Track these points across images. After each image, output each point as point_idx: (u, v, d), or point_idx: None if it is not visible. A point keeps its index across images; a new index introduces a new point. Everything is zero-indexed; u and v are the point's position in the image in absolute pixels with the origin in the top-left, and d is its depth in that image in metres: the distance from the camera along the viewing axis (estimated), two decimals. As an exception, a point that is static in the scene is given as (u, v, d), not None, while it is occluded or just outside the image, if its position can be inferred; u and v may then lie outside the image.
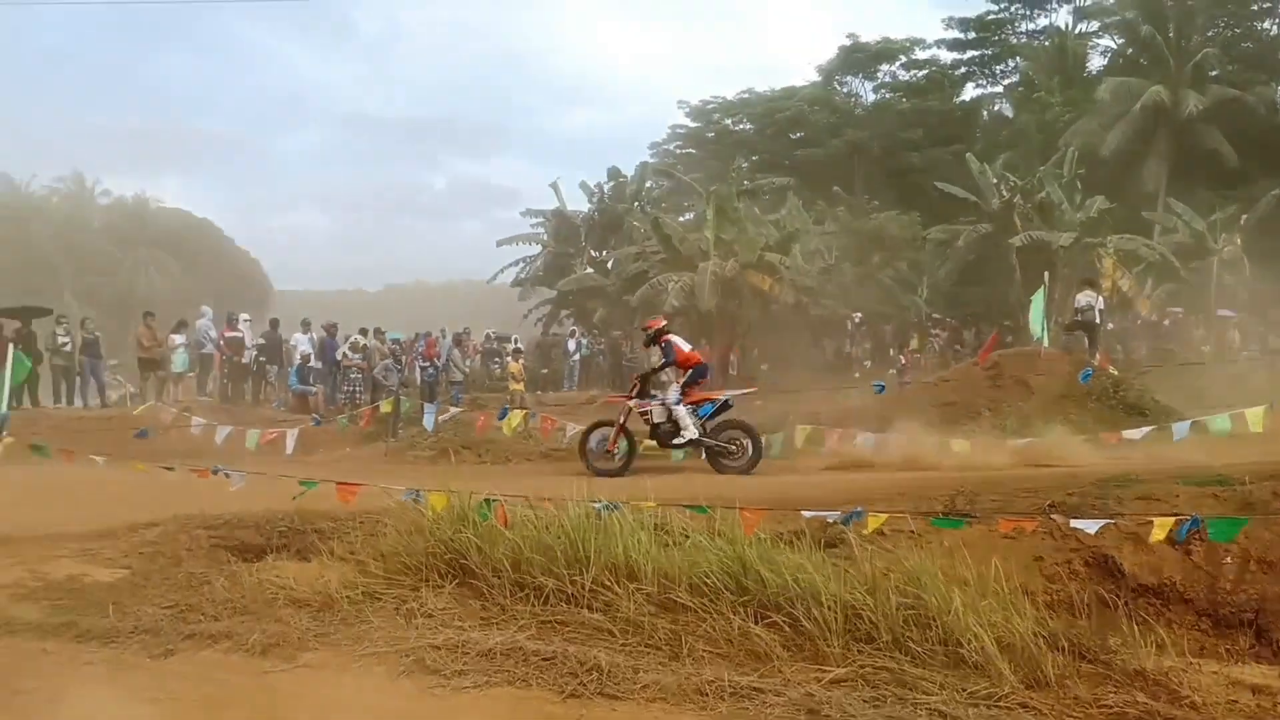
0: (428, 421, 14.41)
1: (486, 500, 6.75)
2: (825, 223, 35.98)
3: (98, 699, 5.24)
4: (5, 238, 59.40)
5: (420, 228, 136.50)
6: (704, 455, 12.44)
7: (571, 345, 28.32)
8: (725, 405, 12.71)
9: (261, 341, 21.03)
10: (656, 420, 12.56)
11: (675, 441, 12.39)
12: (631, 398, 12.92)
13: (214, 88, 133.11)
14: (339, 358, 20.39)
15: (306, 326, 21.38)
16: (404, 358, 21.61)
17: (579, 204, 38.19)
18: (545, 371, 28.01)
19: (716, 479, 11.77)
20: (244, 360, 20.44)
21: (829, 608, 5.37)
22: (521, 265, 38.45)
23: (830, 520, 6.55)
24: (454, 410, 13.91)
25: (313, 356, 20.56)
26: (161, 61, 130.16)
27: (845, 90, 48.79)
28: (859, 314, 30.58)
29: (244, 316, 21.59)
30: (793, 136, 45.86)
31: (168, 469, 9.06)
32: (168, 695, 5.27)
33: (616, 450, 12.48)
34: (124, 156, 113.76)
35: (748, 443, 12.32)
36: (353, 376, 20.18)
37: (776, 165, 43.12)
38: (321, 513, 8.26)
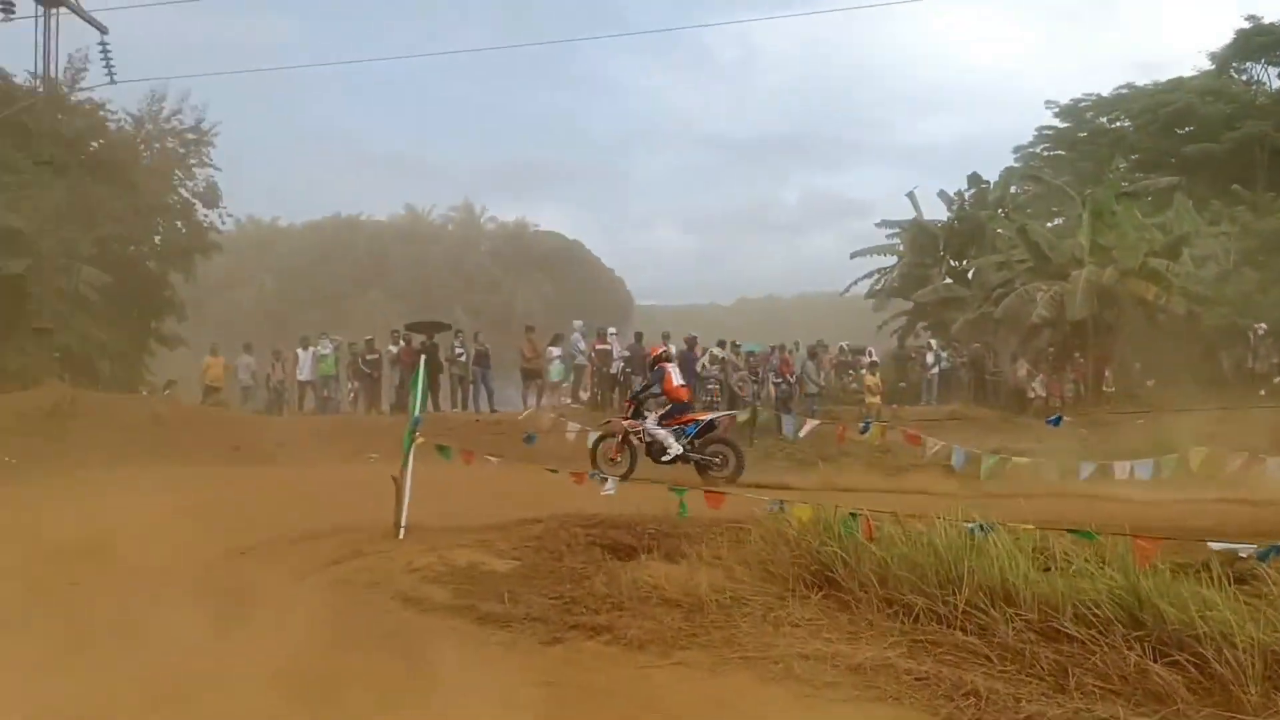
0: (787, 430, 14.56)
1: (852, 514, 6.67)
2: (1220, 224, 32.18)
3: (496, 677, 5.74)
4: (409, 258, 67.51)
5: (772, 242, 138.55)
6: (694, 467, 13.73)
7: (930, 358, 27.39)
8: (710, 425, 14.12)
9: (627, 354, 22.26)
10: (646, 440, 13.96)
11: (663, 459, 13.75)
12: (627, 418, 14.41)
13: (585, 118, 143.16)
14: (698, 369, 21.14)
15: (666, 339, 22.36)
16: (759, 370, 21.98)
17: (936, 213, 36.88)
18: (902, 385, 27.32)
19: (1095, 505, 10.95)
20: (612, 371, 21.74)
21: (1244, 650, 4.77)
22: (876, 277, 37.67)
23: (1242, 554, 5.82)
24: (812, 423, 13.91)
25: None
26: (539, 98, 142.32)
27: (1244, 78, 43.41)
28: (1263, 324, 27.05)
29: (611, 330, 23.00)
30: (1179, 132, 41.25)
31: (551, 471, 9.76)
32: (556, 680, 5.68)
33: (620, 458, 13.93)
34: (507, 185, 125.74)
35: (731, 456, 13.73)
36: (709, 387, 20.84)
37: (1160, 164, 39.05)
38: (689, 518, 8.56)
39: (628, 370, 22.21)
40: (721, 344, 21.94)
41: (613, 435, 14.30)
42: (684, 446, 13.66)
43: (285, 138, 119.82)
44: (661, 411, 14.05)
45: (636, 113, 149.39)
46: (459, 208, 74.87)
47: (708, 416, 14.45)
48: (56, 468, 14.44)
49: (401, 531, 9.32)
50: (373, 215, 72.31)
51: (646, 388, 14.60)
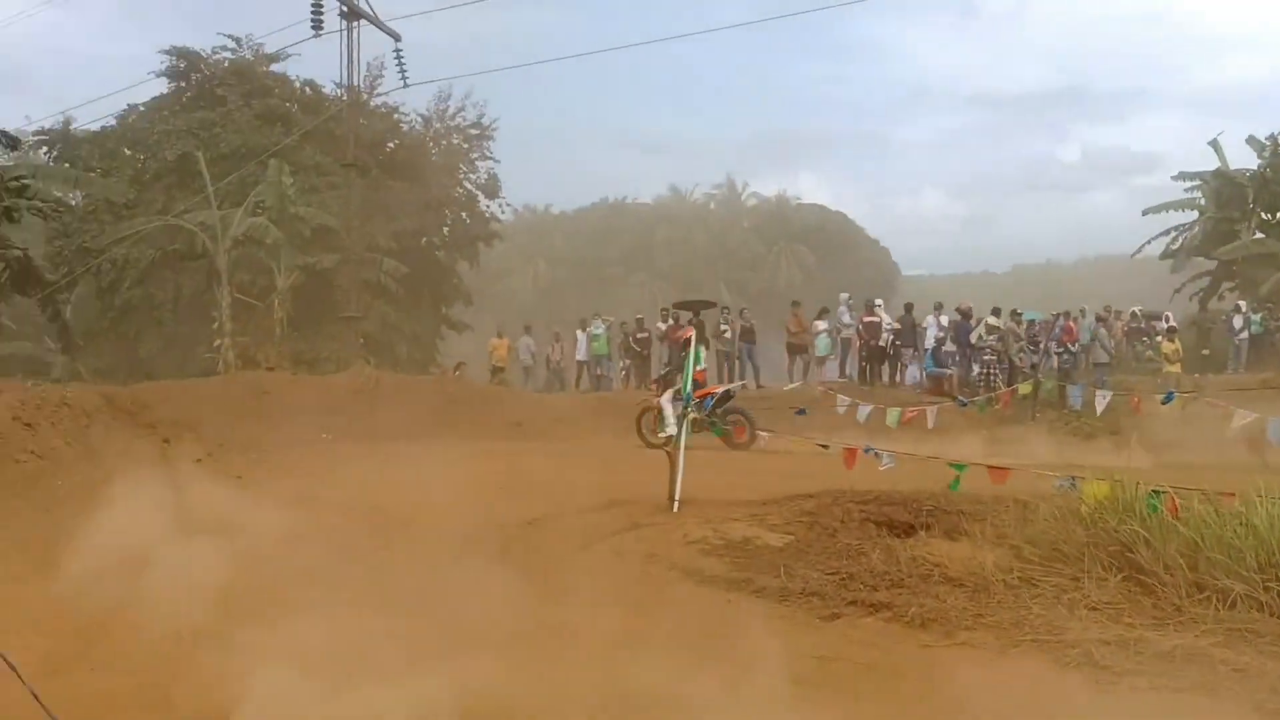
0: (1073, 402, 13.66)
1: (1155, 491, 6.19)
2: None
3: (775, 649, 5.77)
4: (673, 238, 68.83)
5: (1049, 204, 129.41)
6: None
7: (1238, 322, 24.73)
8: (727, 395, 15.32)
9: (897, 326, 21.68)
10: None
11: (660, 434, 14.56)
12: (658, 395, 15.43)
13: (845, 86, 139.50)
14: (973, 340, 20.26)
15: (939, 309, 21.56)
16: (1040, 339, 20.77)
17: (1243, 162, 33.08)
18: (1205, 352, 24.89)
19: None
20: (880, 343, 21.26)
21: None
22: (1173, 235, 34.38)
23: None
24: (1104, 394, 12.96)
25: (947, 339, 20.69)
26: (798, 69, 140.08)
27: None
28: None
29: (878, 301, 22.49)
30: None
31: (823, 446, 9.70)
32: (835, 655, 5.66)
33: (659, 430, 14.75)
34: (768, 160, 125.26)
35: (745, 422, 14.56)
36: (985, 358, 19.90)
37: None
38: (966, 494, 8.25)
39: (897, 342, 21.63)
40: (996, 312, 20.86)
41: (650, 409, 15.55)
42: (703, 416, 14.05)
43: (554, 127, 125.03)
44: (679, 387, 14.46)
45: (899, 76, 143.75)
46: (721, 185, 75.56)
47: (721, 389, 15.59)
48: (365, 443, 15.89)
49: (676, 505, 9.56)
50: (638, 198, 74.43)
51: (667, 370, 15.90)
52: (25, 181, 21.30)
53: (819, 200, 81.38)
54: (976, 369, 20.35)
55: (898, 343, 21.62)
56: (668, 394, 14.82)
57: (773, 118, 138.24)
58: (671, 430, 13.95)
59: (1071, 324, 21.32)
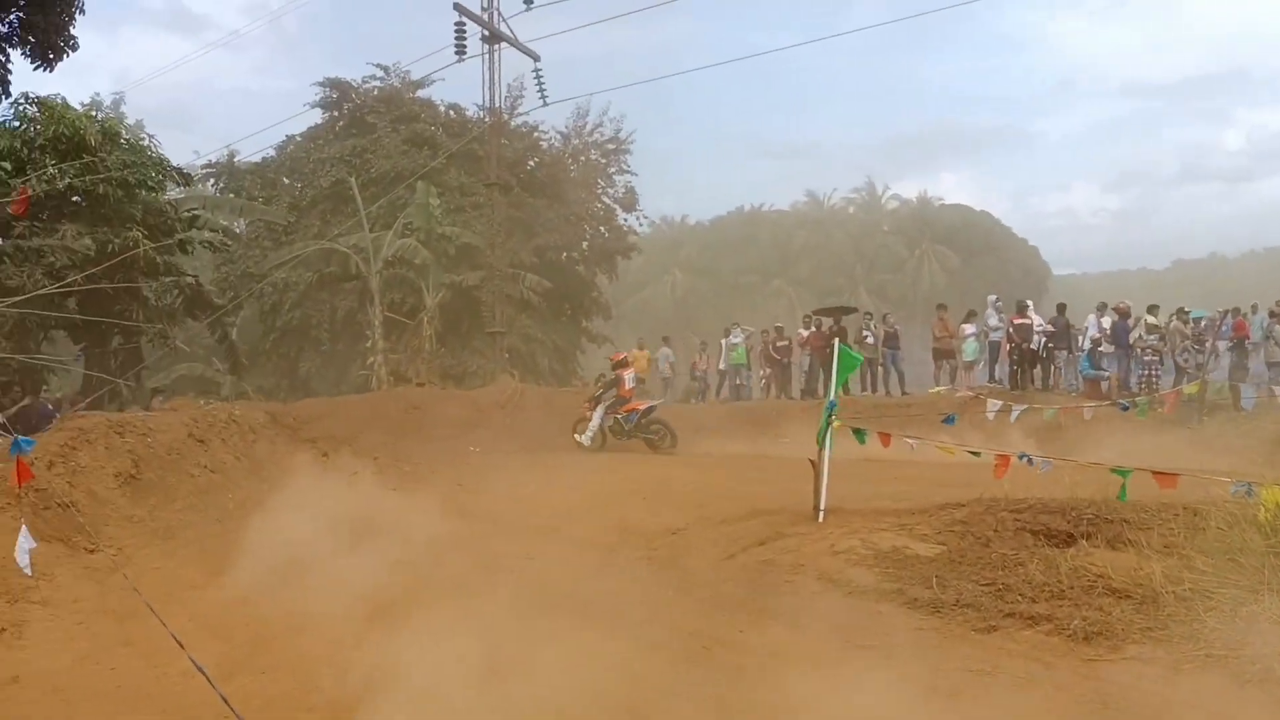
0: (1245, 404, 12.82)
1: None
2: None
3: (929, 662, 5.61)
4: (810, 245, 68.08)
5: (1211, 195, 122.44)
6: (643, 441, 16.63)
7: None
8: (650, 410, 16.92)
9: (1050, 328, 20.82)
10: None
11: (580, 438, 17.01)
12: (591, 407, 17.19)
13: (987, 81, 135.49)
14: (1132, 340, 19.26)
15: (1102, 310, 20.58)
16: (1207, 338, 19.58)
17: None
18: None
19: None
20: (1032, 346, 20.45)
21: None
22: (1355, 223, 31.99)
23: None
24: (1280, 393, 12.13)
25: (1104, 340, 19.75)
26: (937, 67, 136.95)
27: None
28: None
29: (1029, 303, 21.63)
30: None
31: (973, 453, 9.38)
32: (993, 668, 5.45)
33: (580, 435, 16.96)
34: (908, 161, 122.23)
35: (666, 432, 16.64)
36: (1147, 359, 18.89)
37: None
38: (1130, 502, 7.84)
39: (1050, 345, 20.77)
40: (1152, 309, 19.81)
41: (582, 420, 17.22)
42: (629, 428, 16.70)
43: (690, 138, 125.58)
44: (609, 403, 16.91)
45: (1043, 68, 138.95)
46: (860, 189, 74.49)
47: (644, 405, 16.97)
48: (511, 453, 16.28)
49: (821, 514, 9.41)
50: (775, 205, 73.99)
51: (603, 390, 17.39)
52: (196, 213, 22.73)
53: (962, 200, 79.35)
54: (1138, 371, 19.35)
55: (1050, 345, 20.74)
56: (599, 409, 16.82)
57: (912, 118, 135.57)
58: (587, 441, 16.80)
59: (1242, 320, 20.03)
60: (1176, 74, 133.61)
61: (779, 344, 23.04)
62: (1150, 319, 19.62)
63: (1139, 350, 19.29)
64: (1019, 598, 6.44)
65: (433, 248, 26.02)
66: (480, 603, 6.68)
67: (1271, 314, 20.22)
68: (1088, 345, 19.89)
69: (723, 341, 24.41)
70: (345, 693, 5.56)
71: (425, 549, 8.01)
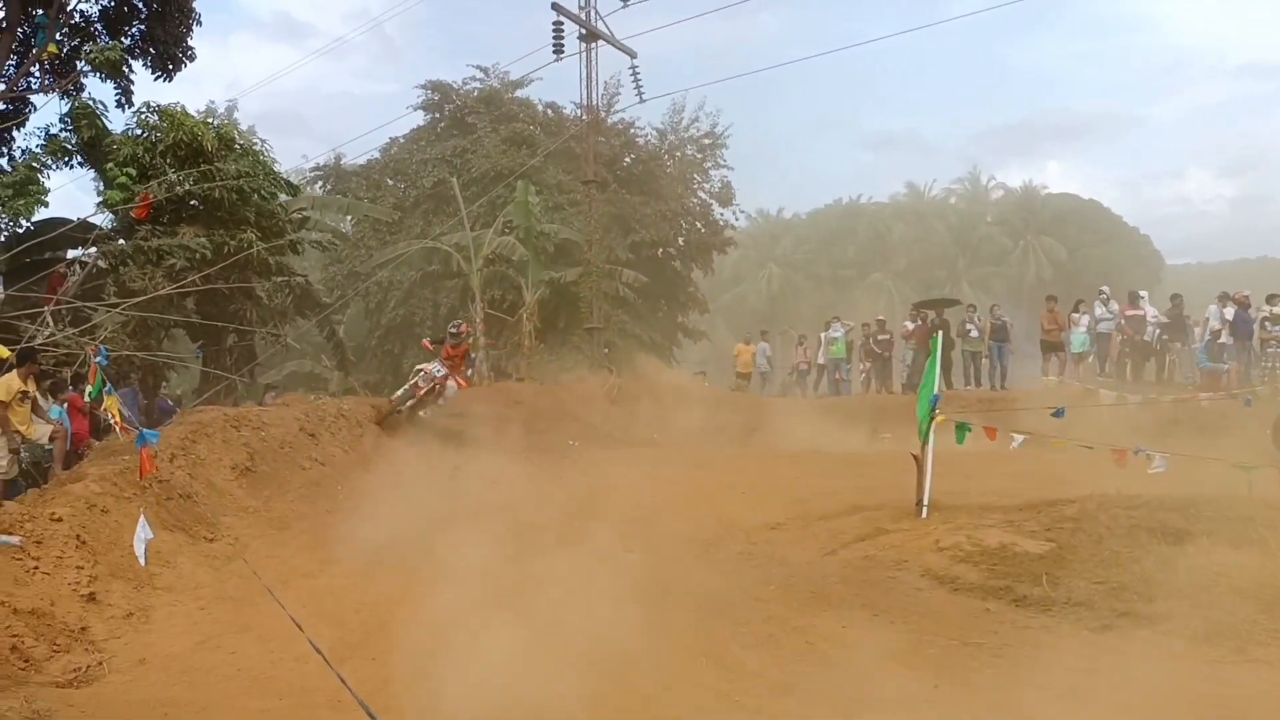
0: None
1: None
2: None
3: (1040, 661, 5.47)
4: (910, 237, 66.79)
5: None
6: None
7: None
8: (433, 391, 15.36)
9: (1164, 320, 20.03)
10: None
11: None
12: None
13: (1093, 65, 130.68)
14: (1256, 330, 18.39)
15: (1224, 300, 19.69)
16: (1336, 328, 18.57)
17: None
18: None
19: None
20: (1146, 338, 19.71)
21: None
22: None
23: None
24: None
25: (1224, 332, 18.89)
26: (1043, 51, 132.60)
27: None
28: None
29: (1143, 293, 20.84)
30: None
31: (1086, 447, 9.10)
32: (1105, 668, 5.28)
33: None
34: (1013, 150, 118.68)
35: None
36: (1271, 350, 18.01)
37: None
38: (1253, 499, 7.52)
39: (1164, 337, 19.98)
40: (1272, 299, 18.86)
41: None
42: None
43: (787, 131, 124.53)
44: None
45: (1156, 49, 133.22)
46: (962, 179, 72.80)
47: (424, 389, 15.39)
48: (609, 447, 16.37)
49: (924, 510, 9.25)
50: (873, 197, 72.78)
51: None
52: (306, 214, 23.50)
53: (1069, 189, 76.77)
54: (1262, 364, 18.47)
55: (1165, 337, 19.95)
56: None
57: (1016, 104, 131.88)
58: (398, 398, 15.30)
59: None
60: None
61: (880, 337, 22.68)
62: (1274, 309, 18.70)
63: (1264, 342, 18.41)
64: (1134, 596, 6.24)
65: (531, 245, 26.35)
66: (581, 596, 6.75)
67: None
68: (1206, 337, 19.07)
69: (822, 335, 24.15)
70: (454, 680, 5.68)
71: (528, 541, 8.12)
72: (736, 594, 6.90)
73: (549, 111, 34.94)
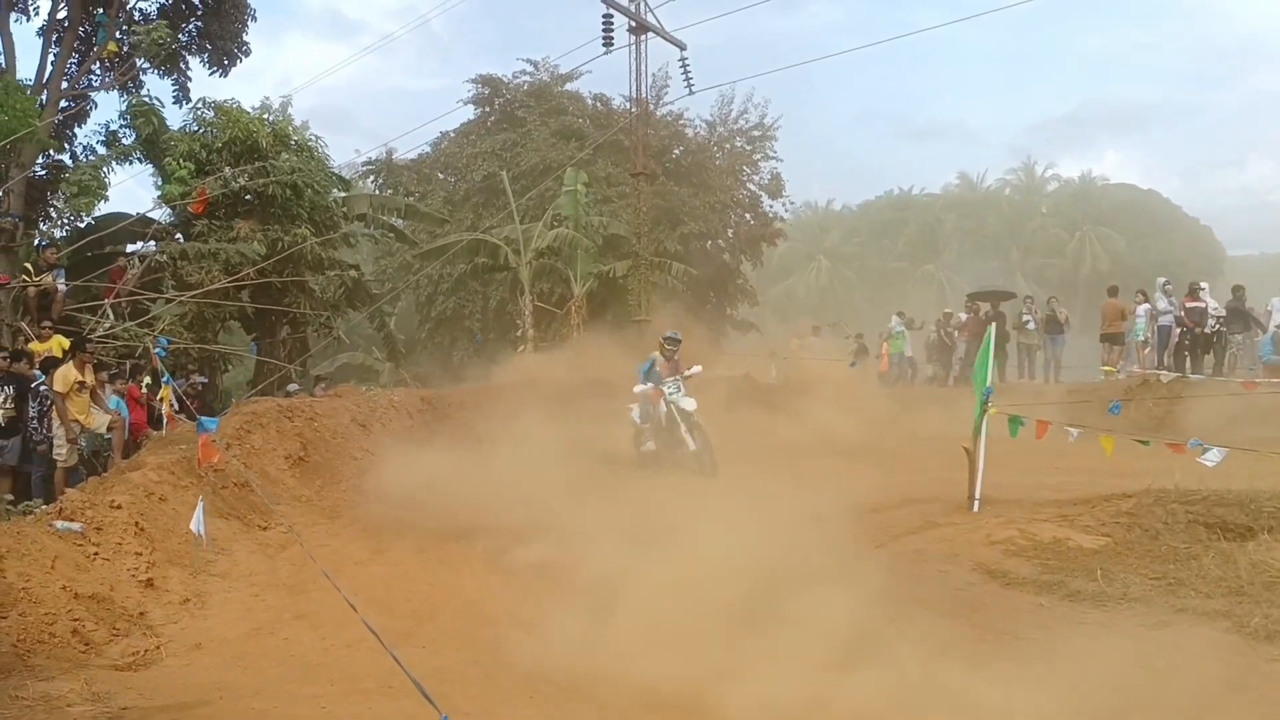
0: None
1: None
2: None
3: (1100, 660, 5.36)
4: (963, 229, 65.89)
5: None
6: None
7: None
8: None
9: (1223, 312, 19.56)
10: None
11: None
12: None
13: (1152, 53, 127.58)
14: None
15: (1291, 294, 19.15)
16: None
17: None
18: None
19: None
20: (1206, 330, 19.25)
21: None
22: None
23: None
24: None
25: (1288, 325, 18.39)
26: (1100, 38, 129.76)
27: None
28: None
29: (1203, 285, 20.35)
30: None
31: (1142, 442, 8.92)
32: (1165, 666, 5.16)
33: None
34: (1069, 140, 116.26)
35: None
36: (1338, 344, 17.51)
37: None
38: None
39: (1223, 329, 19.51)
40: (1339, 289, 18.38)
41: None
42: None
43: (837, 122, 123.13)
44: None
45: (1220, 34, 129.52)
46: (1016, 169, 71.54)
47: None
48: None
49: (976, 504, 9.15)
50: (925, 189, 71.86)
51: None
52: (361, 212, 23.83)
53: (1127, 179, 75.37)
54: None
55: (1224, 329, 19.47)
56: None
57: (1072, 93, 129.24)
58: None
59: None
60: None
61: (947, 329, 22.41)
62: (1342, 299, 18.18)
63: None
64: (1192, 593, 6.12)
65: (581, 235, 26.39)
66: (633, 581, 6.76)
67: None
68: (1271, 329, 18.56)
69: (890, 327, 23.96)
70: (502, 666, 5.73)
71: (574, 532, 8.14)
72: (784, 589, 6.85)
73: (598, 104, 34.94)
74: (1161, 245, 60.43)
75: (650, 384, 12.73)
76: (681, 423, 12.28)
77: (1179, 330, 19.26)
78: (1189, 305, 19.27)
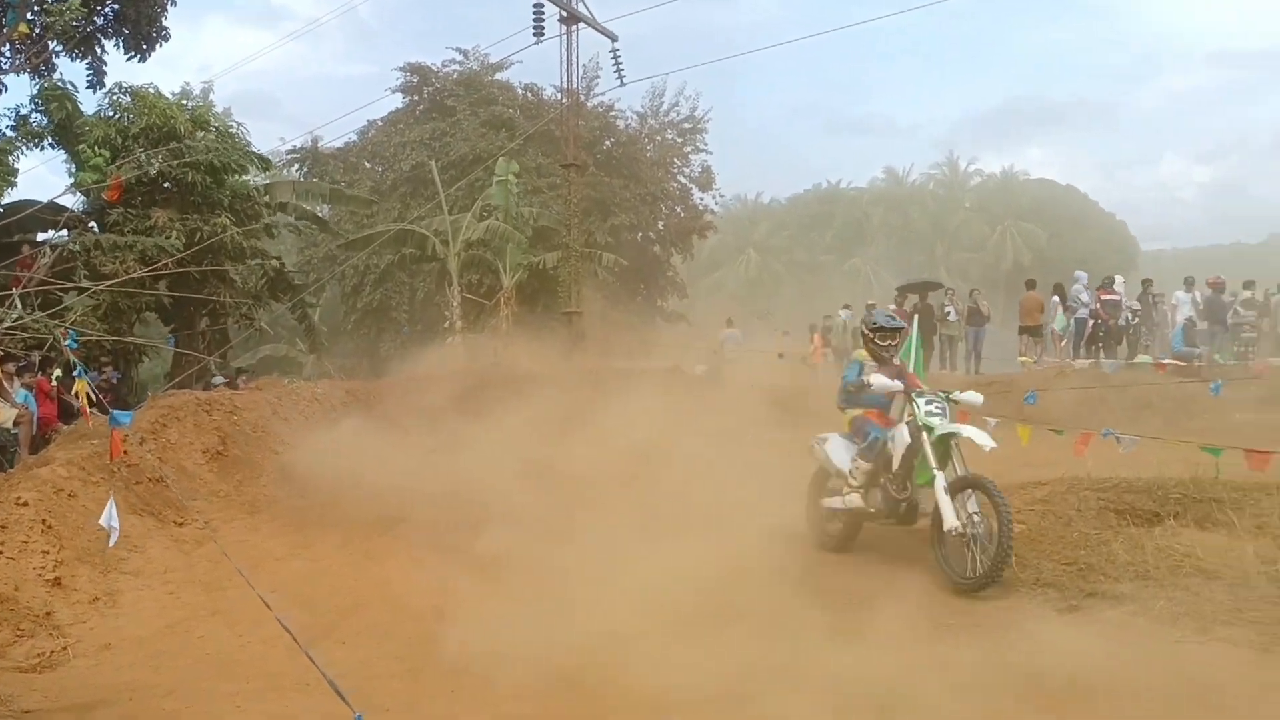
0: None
1: None
2: None
3: (1006, 642, 5.47)
4: (889, 223, 67.02)
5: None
6: None
7: None
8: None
9: (1136, 305, 20.20)
10: None
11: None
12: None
13: (1074, 52, 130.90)
14: (1228, 316, 18.59)
15: (1190, 285, 19.87)
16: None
17: None
18: None
19: None
20: (1119, 323, 19.85)
21: None
22: None
23: None
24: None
25: (1196, 317, 19.06)
26: (1022, 37, 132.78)
27: None
28: None
29: (1118, 278, 20.97)
30: None
31: (1056, 431, 9.16)
32: (1075, 650, 5.29)
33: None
34: (992, 135, 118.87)
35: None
36: (1245, 335, 18.22)
37: None
38: (1221, 481, 7.57)
39: (1137, 322, 20.15)
40: (1248, 284, 19.10)
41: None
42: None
43: (766, 116, 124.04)
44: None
45: (1133, 36, 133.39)
46: (941, 165, 72.91)
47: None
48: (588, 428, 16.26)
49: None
50: (852, 183, 72.81)
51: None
52: (283, 201, 23.32)
53: (1048, 175, 77.14)
54: (1235, 348, 18.68)
55: (1137, 321, 20.13)
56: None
57: (995, 91, 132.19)
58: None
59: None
60: (1269, 43, 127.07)
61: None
62: (1246, 294, 18.91)
63: (1236, 327, 18.62)
64: (1102, 577, 6.30)
65: (511, 226, 26.20)
66: (561, 571, 6.75)
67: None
68: (1180, 321, 19.23)
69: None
70: (428, 661, 5.67)
71: (504, 522, 8.09)
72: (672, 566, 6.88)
73: (528, 94, 34.77)
74: (1079, 239, 62.13)
75: (866, 401, 7.87)
76: (936, 469, 6.93)
77: (1093, 323, 19.83)
78: (1104, 298, 19.85)
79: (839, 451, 7.95)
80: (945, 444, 6.98)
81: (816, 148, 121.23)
